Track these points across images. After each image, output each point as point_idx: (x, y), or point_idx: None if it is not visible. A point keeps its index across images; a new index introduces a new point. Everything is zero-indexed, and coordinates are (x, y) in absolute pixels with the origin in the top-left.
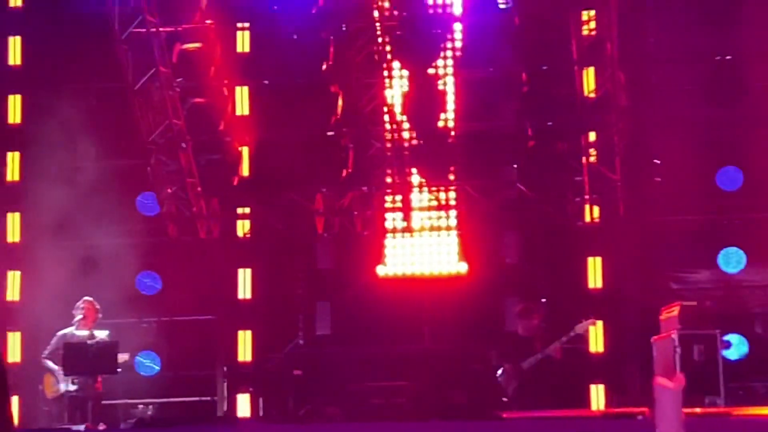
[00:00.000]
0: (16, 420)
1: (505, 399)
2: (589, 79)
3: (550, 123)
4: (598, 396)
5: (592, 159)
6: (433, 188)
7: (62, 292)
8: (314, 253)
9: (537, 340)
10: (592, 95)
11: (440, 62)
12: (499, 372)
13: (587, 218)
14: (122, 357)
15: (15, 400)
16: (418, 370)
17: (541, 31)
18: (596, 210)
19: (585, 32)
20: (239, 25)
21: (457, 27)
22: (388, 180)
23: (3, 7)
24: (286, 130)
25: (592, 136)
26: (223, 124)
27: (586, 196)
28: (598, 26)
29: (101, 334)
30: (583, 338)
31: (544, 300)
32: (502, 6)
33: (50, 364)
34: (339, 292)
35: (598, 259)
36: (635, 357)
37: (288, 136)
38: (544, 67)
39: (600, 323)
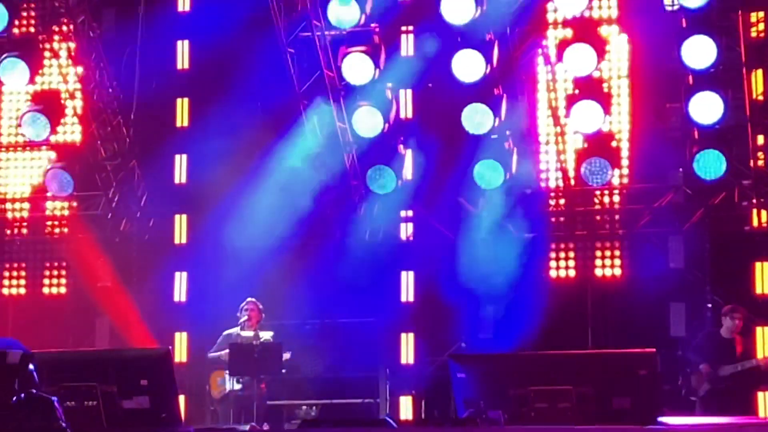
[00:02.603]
0: (183, 418)
1: (693, 399)
2: (757, 82)
3: (717, 126)
4: (766, 403)
5: (761, 163)
6: (597, 191)
7: (227, 293)
8: (477, 256)
9: (737, 344)
10: (761, 98)
11: (605, 65)
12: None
13: (755, 223)
14: (284, 356)
15: (181, 399)
16: (581, 375)
17: (709, 32)
18: (764, 214)
19: (753, 34)
20: (403, 28)
21: (621, 30)
22: (551, 183)
23: (172, 11)
24: (450, 133)
25: (760, 139)
26: (387, 127)
27: (754, 200)
28: None
29: (266, 335)
30: None
31: (710, 306)
32: (669, 8)
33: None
34: (501, 295)
35: (767, 264)
36: None
37: (451, 139)
38: (712, 70)
39: None
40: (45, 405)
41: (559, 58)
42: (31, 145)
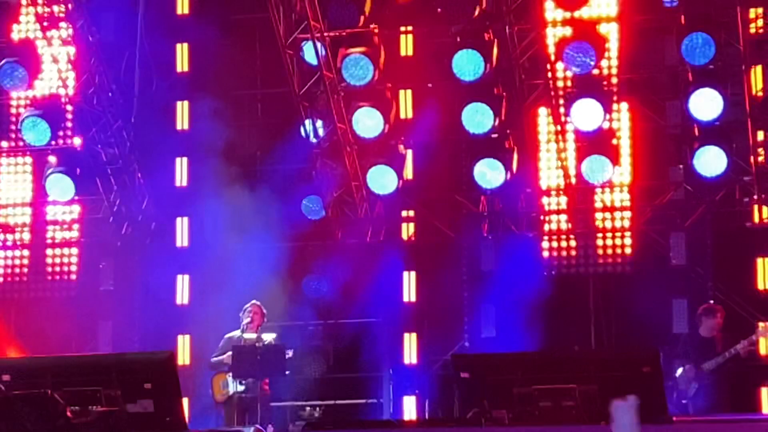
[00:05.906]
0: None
1: (684, 401)
2: (756, 78)
3: (717, 122)
4: None
5: (761, 159)
6: (598, 189)
7: (229, 296)
8: (478, 255)
9: (718, 342)
10: (760, 94)
11: (605, 63)
12: (679, 373)
13: (756, 219)
14: (287, 353)
15: (185, 402)
16: (585, 373)
17: (708, 29)
18: (765, 210)
19: (752, 30)
20: (402, 28)
21: (620, 27)
22: (552, 182)
23: (171, 14)
24: (450, 133)
25: (760, 135)
26: (387, 128)
27: (755, 197)
28: (766, 24)
29: (268, 337)
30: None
31: (711, 302)
32: (667, 4)
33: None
34: (503, 294)
35: None
36: None
37: (452, 139)
38: (711, 66)
39: None
40: (48, 402)
41: (558, 56)
42: (33, 151)
